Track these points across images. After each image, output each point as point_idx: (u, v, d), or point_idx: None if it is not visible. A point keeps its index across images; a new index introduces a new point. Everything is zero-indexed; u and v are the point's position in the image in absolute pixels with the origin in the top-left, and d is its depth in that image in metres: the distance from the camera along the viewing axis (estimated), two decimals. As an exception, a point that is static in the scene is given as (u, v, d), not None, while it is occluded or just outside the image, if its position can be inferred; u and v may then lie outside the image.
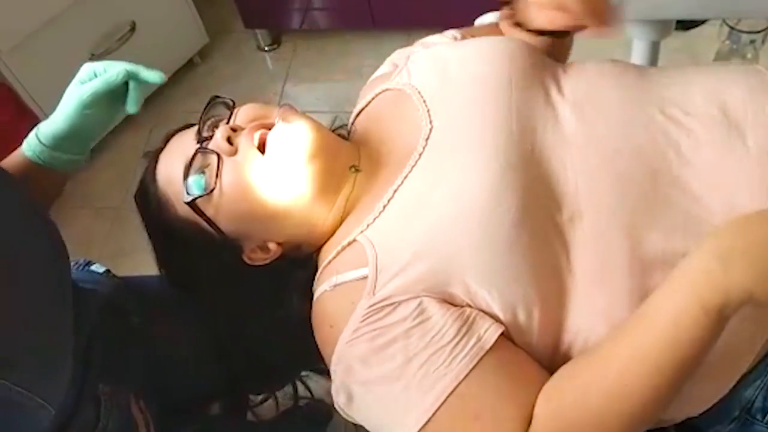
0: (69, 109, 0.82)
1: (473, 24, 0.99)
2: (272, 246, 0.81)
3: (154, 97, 2.15)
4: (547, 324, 0.69)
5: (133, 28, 2.04)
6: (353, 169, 0.81)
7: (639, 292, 0.68)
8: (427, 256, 0.69)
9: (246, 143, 0.77)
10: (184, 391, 1.08)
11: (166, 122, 2.26)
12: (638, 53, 1.28)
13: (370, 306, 0.69)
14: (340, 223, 0.81)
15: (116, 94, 0.83)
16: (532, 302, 0.68)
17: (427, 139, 0.77)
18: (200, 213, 0.77)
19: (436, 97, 0.80)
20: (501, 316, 0.68)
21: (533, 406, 0.65)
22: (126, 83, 0.83)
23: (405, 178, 0.75)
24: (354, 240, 0.75)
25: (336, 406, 0.74)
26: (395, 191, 0.75)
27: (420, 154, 0.76)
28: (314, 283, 0.80)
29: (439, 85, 0.82)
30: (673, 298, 0.61)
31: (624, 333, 0.63)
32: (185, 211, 0.78)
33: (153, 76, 0.83)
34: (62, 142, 0.84)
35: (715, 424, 0.80)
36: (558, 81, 0.80)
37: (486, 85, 0.78)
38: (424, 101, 0.81)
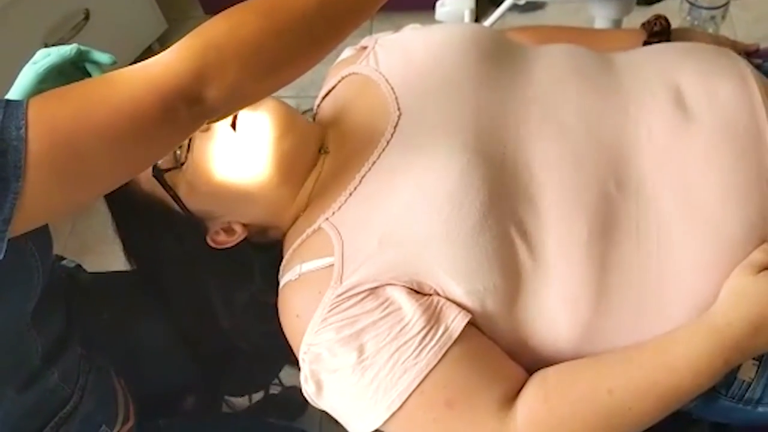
0: (25, 85, 0.82)
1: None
2: (237, 228, 0.80)
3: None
4: (512, 312, 0.70)
5: (87, 16, 1.99)
6: (322, 151, 0.80)
7: (598, 284, 0.69)
8: (393, 244, 0.69)
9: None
10: (156, 383, 1.07)
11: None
12: (601, 31, 1.29)
13: (338, 296, 0.68)
14: (306, 208, 0.80)
15: (67, 72, 0.84)
16: (497, 291, 0.68)
17: (395, 126, 0.76)
18: (167, 187, 0.76)
19: (404, 84, 0.80)
20: (468, 304, 0.68)
21: (507, 396, 0.66)
22: (79, 69, 0.84)
23: (372, 164, 0.75)
24: (319, 227, 0.74)
25: (305, 394, 0.73)
26: (362, 178, 0.74)
27: (388, 142, 0.75)
28: (280, 272, 0.79)
29: (407, 71, 0.81)
30: (700, 347, 0.65)
31: (638, 360, 0.66)
32: (151, 186, 0.77)
33: (104, 57, 0.84)
34: None
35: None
36: (523, 69, 0.80)
37: (454, 74, 0.78)
38: (392, 88, 0.80)
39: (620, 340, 0.71)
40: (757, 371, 0.75)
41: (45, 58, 0.82)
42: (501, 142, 0.73)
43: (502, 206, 0.70)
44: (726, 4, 1.20)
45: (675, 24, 0.94)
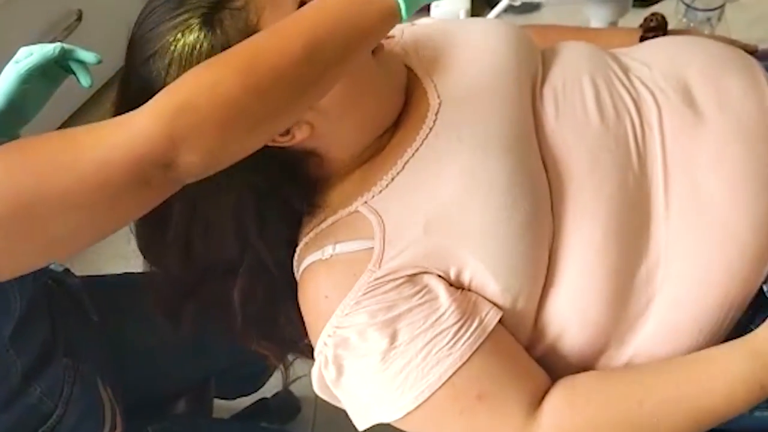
0: (7, 86, 0.81)
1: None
2: (300, 132, 0.71)
3: (109, 85, 2.09)
4: (537, 312, 0.70)
5: (79, 17, 1.98)
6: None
7: (608, 288, 0.69)
8: (438, 233, 0.67)
9: None
10: (145, 387, 1.06)
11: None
12: (597, 33, 1.28)
13: (376, 279, 0.67)
14: (346, 176, 0.76)
15: (51, 72, 0.83)
16: (530, 291, 0.68)
17: (436, 113, 0.74)
18: None
19: (440, 72, 0.78)
20: (500, 302, 0.68)
21: (535, 395, 0.66)
22: (62, 67, 0.83)
23: (416, 151, 0.72)
24: (355, 210, 0.72)
25: (316, 382, 0.71)
26: (405, 164, 0.72)
27: (430, 129, 0.73)
28: (298, 252, 0.76)
29: (442, 60, 0.79)
30: (738, 369, 0.64)
31: (673, 375, 0.65)
32: None
33: (88, 56, 0.83)
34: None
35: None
36: (544, 70, 0.79)
37: (491, 68, 0.76)
38: (430, 76, 0.78)
39: (633, 346, 0.71)
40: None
41: (27, 57, 0.81)
42: (532, 140, 0.73)
43: (541, 205, 0.70)
44: (722, 6, 1.20)
45: (671, 26, 0.94)
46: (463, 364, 0.64)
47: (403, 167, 0.72)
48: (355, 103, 0.72)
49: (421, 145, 0.72)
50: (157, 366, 1.07)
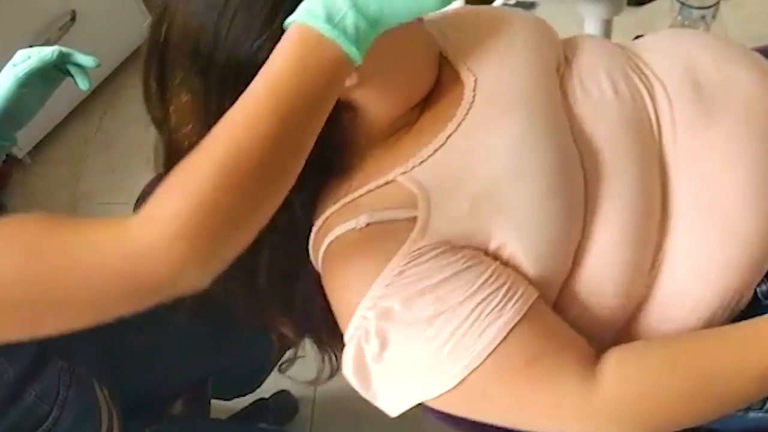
0: (5, 90, 0.81)
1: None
2: (348, 78, 0.67)
3: (104, 86, 2.09)
4: (565, 291, 0.70)
5: (73, 18, 1.97)
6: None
7: (631, 265, 0.69)
8: (483, 206, 0.66)
9: None
10: (142, 387, 1.06)
11: (116, 112, 2.21)
12: (591, 31, 1.28)
13: (418, 248, 0.65)
14: (384, 140, 0.75)
15: (49, 76, 0.83)
16: (561, 270, 0.68)
17: (474, 89, 0.73)
18: None
19: (472, 52, 0.77)
20: (534, 278, 0.67)
21: (588, 359, 0.64)
22: (60, 69, 0.84)
23: (458, 125, 0.71)
24: (393, 180, 0.70)
25: (351, 361, 0.67)
26: (448, 137, 0.70)
27: (471, 104, 0.72)
28: (322, 221, 0.73)
29: (475, 40, 0.78)
30: None
31: (733, 339, 0.64)
32: None
33: (86, 60, 0.83)
34: None
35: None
36: (567, 56, 0.80)
37: (525, 43, 0.76)
38: (461, 57, 0.77)
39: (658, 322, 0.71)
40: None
41: (25, 60, 0.81)
42: (566, 120, 0.73)
43: (577, 182, 0.69)
44: (716, 4, 1.20)
45: (665, 24, 0.94)
46: (513, 327, 0.62)
47: (446, 140, 0.70)
48: (401, 65, 0.71)
49: (463, 119, 0.71)
50: (153, 367, 1.07)
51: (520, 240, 0.66)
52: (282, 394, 1.53)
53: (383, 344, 0.65)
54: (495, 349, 0.61)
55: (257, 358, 1.25)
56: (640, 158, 0.71)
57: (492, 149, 0.69)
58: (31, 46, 0.83)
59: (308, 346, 0.90)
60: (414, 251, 0.65)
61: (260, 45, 0.63)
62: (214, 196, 0.53)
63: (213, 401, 1.23)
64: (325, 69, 0.58)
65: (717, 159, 0.71)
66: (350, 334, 0.67)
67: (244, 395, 1.41)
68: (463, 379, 0.62)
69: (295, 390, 1.54)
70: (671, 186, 0.72)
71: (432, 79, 0.75)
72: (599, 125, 0.73)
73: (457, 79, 0.75)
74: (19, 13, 1.86)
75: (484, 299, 0.63)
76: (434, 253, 0.65)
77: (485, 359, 0.61)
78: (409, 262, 0.64)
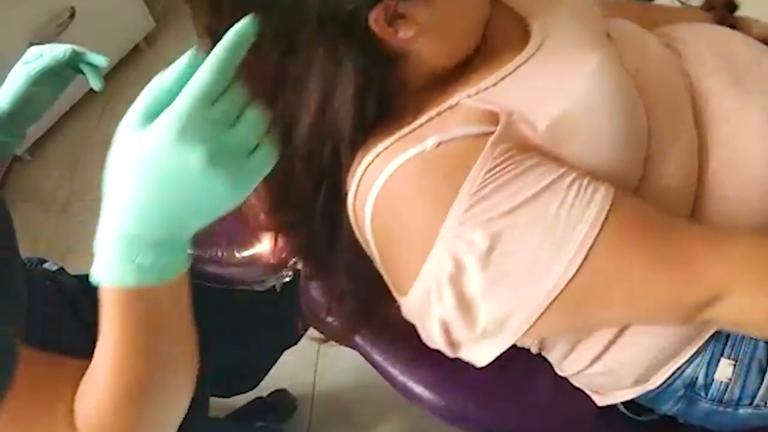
0: (16, 87, 0.82)
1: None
2: (403, 31, 0.66)
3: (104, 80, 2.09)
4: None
5: (72, 15, 1.98)
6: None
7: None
8: (559, 130, 0.66)
9: None
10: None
11: (114, 109, 2.21)
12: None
13: (501, 152, 0.63)
14: (435, 81, 0.72)
15: (61, 74, 0.84)
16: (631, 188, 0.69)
17: (543, 27, 0.73)
18: None
19: (531, 4, 0.77)
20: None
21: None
22: (72, 68, 0.84)
23: (530, 57, 0.70)
24: (457, 103, 0.68)
25: (450, 303, 0.66)
26: (530, 57, 0.70)
27: (543, 38, 0.71)
28: (372, 157, 0.69)
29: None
30: None
31: None
32: None
33: (98, 59, 0.84)
34: (5, 121, 0.83)
35: (663, 404, 0.82)
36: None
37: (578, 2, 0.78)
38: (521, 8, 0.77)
39: None
40: (733, 371, 0.76)
41: (38, 58, 0.82)
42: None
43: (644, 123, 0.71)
44: (716, 3, 1.19)
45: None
46: (616, 192, 0.62)
47: (516, 69, 0.69)
48: (458, 15, 0.70)
49: (537, 50, 0.71)
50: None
51: (592, 160, 0.66)
52: (280, 393, 1.53)
53: (494, 239, 0.63)
54: (609, 209, 0.61)
55: (261, 356, 1.26)
56: (686, 120, 0.73)
57: (567, 77, 0.68)
58: (30, 44, 0.83)
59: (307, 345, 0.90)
60: (498, 155, 0.63)
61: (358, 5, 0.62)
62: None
63: (211, 399, 1.23)
64: (144, 302, 0.57)
65: (749, 139, 0.72)
66: (441, 259, 0.65)
67: (242, 393, 1.41)
68: (585, 258, 0.61)
69: (294, 388, 1.55)
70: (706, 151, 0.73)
71: (478, 38, 0.73)
72: (652, 85, 0.73)
73: (517, 19, 0.75)
74: (17, 10, 1.87)
75: (576, 177, 0.63)
76: (517, 158, 0.64)
77: (603, 225, 0.61)
78: (498, 158, 0.63)
